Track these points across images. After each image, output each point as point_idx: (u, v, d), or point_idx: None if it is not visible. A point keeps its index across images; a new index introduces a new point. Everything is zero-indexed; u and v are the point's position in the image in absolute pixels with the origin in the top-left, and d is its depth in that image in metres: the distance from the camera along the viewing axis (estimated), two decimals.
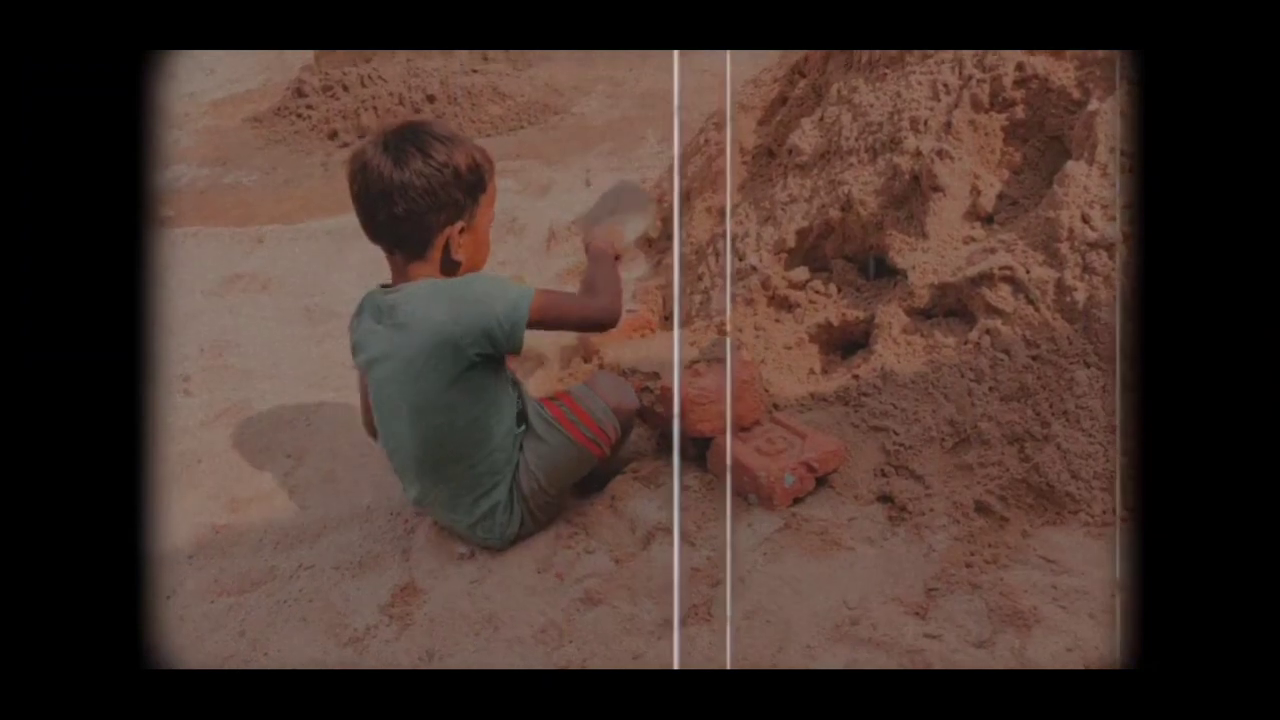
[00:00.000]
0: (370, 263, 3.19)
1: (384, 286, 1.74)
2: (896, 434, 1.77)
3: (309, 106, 4.67)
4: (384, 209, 1.61)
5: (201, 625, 1.70)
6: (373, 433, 1.87)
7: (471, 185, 1.66)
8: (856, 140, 2.14)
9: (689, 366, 1.90)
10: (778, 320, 2.10)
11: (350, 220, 3.70)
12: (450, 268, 1.70)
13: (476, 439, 1.69)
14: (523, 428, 1.77)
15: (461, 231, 1.67)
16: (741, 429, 1.82)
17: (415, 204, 1.60)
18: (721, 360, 1.89)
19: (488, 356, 1.66)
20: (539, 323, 1.67)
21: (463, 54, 4.80)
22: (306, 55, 5.15)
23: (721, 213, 2.46)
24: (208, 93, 5.43)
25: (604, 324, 1.77)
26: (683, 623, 1.53)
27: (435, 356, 1.63)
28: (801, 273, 2.13)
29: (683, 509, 1.78)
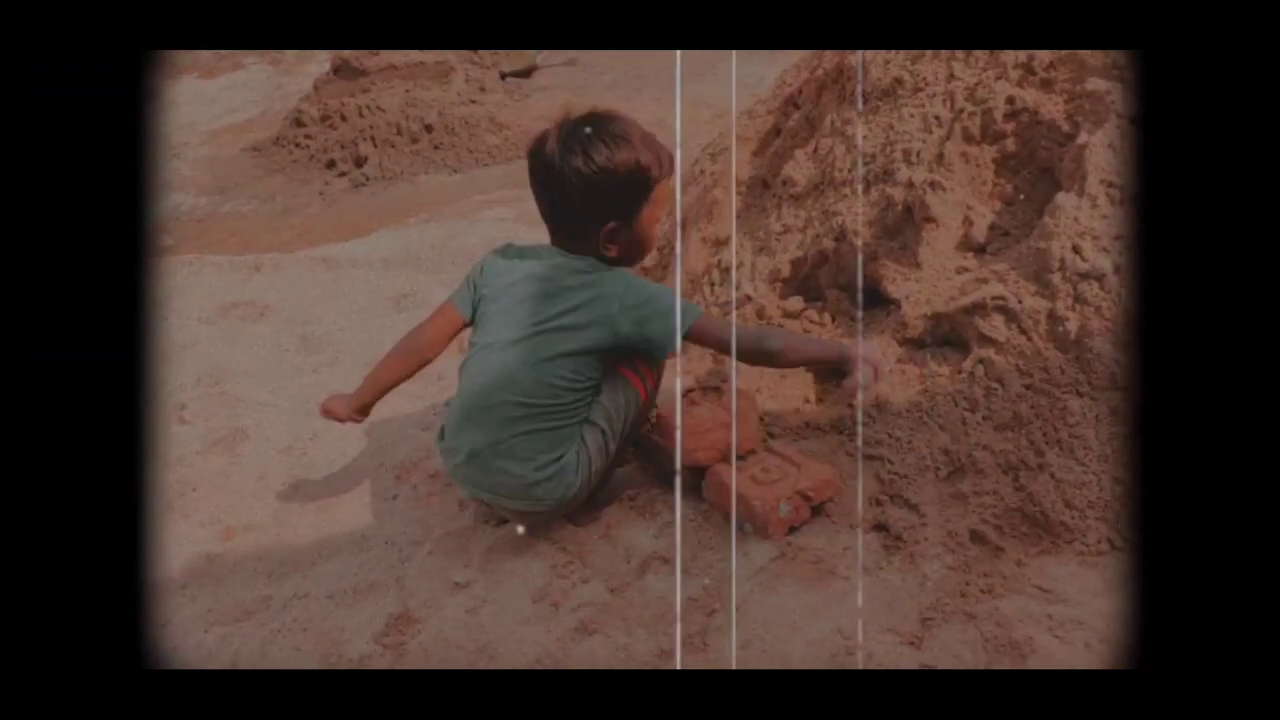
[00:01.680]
0: (367, 291, 3.21)
1: (553, 250, 1.78)
2: (891, 463, 1.78)
3: (307, 136, 4.71)
4: (559, 193, 1.69)
5: (195, 655, 1.69)
6: (408, 357, 1.88)
7: (630, 186, 1.69)
8: (850, 172, 2.16)
9: (685, 395, 1.91)
10: None
11: (347, 249, 3.71)
12: (607, 260, 1.77)
13: (574, 405, 1.73)
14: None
15: (616, 230, 1.72)
16: (737, 458, 1.82)
17: (571, 199, 1.68)
18: (717, 389, 1.90)
19: (629, 345, 1.72)
20: (698, 337, 1.74)
21: (459, 84, 4.85)
22: (305, 85, 5.20)
23: (717, 243, 2.47)
24: (206, 122, 5.47)
25: (763, 358, 1.79)
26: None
27: (591, 323, 1.68)
28: (796, 302, 2.14)
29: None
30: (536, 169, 1.72)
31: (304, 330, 2.94)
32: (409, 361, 1.90)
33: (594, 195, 1.68)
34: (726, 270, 2.33)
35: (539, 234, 1.90)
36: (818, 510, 1.75)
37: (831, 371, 2.02)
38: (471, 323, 1.85)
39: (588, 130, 1.69)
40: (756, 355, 1.79)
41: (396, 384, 1.94)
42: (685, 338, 1.72)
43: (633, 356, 1.79)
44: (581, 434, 1.76)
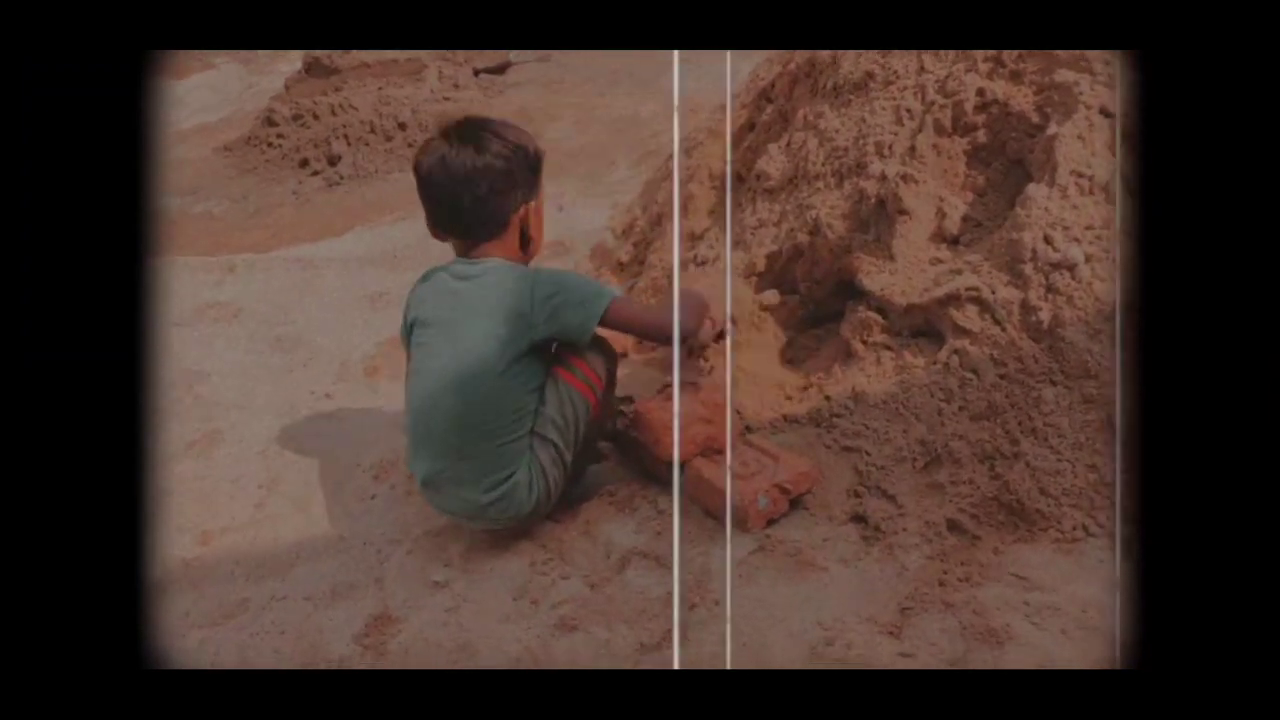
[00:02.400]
0: (341, 291, 3.19)
1: (461, 261, 1.79)
2: (868, 454, 1.79)
3: (280, 135, 4.67)
4: (468, 193, 1.71)
5: (175, 659, 1.67)
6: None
7: (536, 165, 1.79)
8: (823, 165, 2.17)
9: (661, 390, 1.91)
10: (748, 343, 2.11)
11: (320, 248, 3.68)
12: (524, 245, 1.79)
13: (516, 418, 1.73)
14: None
15: (528, 213, 1.78)
16: (716, 452, 1.83)
17: (497, 183, 1.71)
18: (695, 385, 1.91)
19: (548, 343, 1.74)
20: (612, 322, 1.75)
21: (433, 81, 4.82)
22: (277, 84, 5.15)
23: (693, 237, 2.48)
24: (177, 122, 5.41)
25: (667, 341, 1.85)
26: (658, 647, 1.53)
27: (509, 325, 1.69)
28: (772, 295, 2.15)
29: (657, 534, 1.78)
30: (451, 176, 1.72)
31: (279, 331, 2.92)
32: None
33: (514, 176, 1.73)
34: (701, 263, 2.33)
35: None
36: (796, 503, 1.76)
37: (808, 361, 2.03)
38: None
39: (485, 125, 1.76)
40: (668, 334, 1.82)
41: None
42: (602, 323, 1.74)
43: (570, 359, 1.80)
44: (532, 448, 1.76)
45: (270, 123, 4.74)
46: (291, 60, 5.60)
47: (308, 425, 2.39)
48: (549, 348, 1.77)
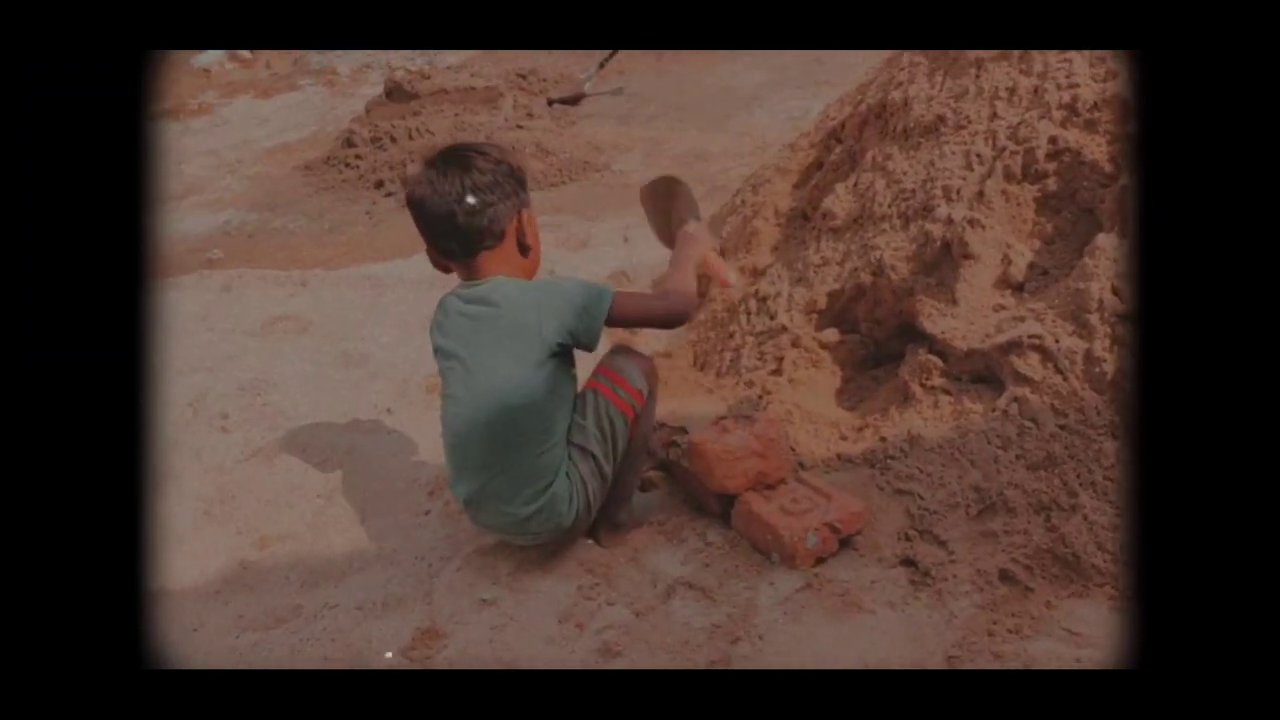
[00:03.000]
0: (408, 310, 3.26)
1: (466, 284, 1.85)
2: (922, 498, 1.77)
3: (358, 156, 4.80)
4: (460, 211, 1.77)
5: (226, 660, 1.72)
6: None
7: (521, 179, 1.85)
8: (889, 206, 2.17)
9: (716, 423, 1.92)
10: (806, 380, 2.11)
11: (391, 268, 3.77)
12: (523, 253, 1.85)
13: (544, 427, 1.76)
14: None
15: (522, 220, 1.84)
16: (767, 487, 1.83)
17: (486, 196, 1.78)
18: (749, 418, 1.91)
19: (565, 349, 1.78)
20: (618, 320, 1.80)
21: (508, 110, 4.93)
22: (358, 107, 5.31)
23: (755, 272, 2.49)
24: (260, 141, 5.61)
25: (678, 322, 1.90)
26: None
27: (520, 339, 1.74)
28: (832, 334, 2.15)
29: (705, 566, 1.78)
30: (441, 198, 1.78)
31: (345, 346, 2.99)
32: None
33: (502, 186, 1.79)
34: (763, 299, 2.34)
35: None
36: (846, 542, 1.75)
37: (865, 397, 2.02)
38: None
39: (463, 148, 1.83)
40: (672, 322, 1.89)
41: None
42: (608, 323, 1.78)
43: (610, 376, 1.84)
44: (571, 459, 1.79)
45: (349, 144, 4.88)
46: (373, 84, 5.78)
47: (368, 439, 2.45)
48: (568, 353, 1.81)
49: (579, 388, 1.86)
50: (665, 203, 2.15)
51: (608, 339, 2.05)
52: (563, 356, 1.80)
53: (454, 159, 1.81)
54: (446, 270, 1.90)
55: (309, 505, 2.19)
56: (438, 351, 1.86)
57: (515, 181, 1.83)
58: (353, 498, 2.20)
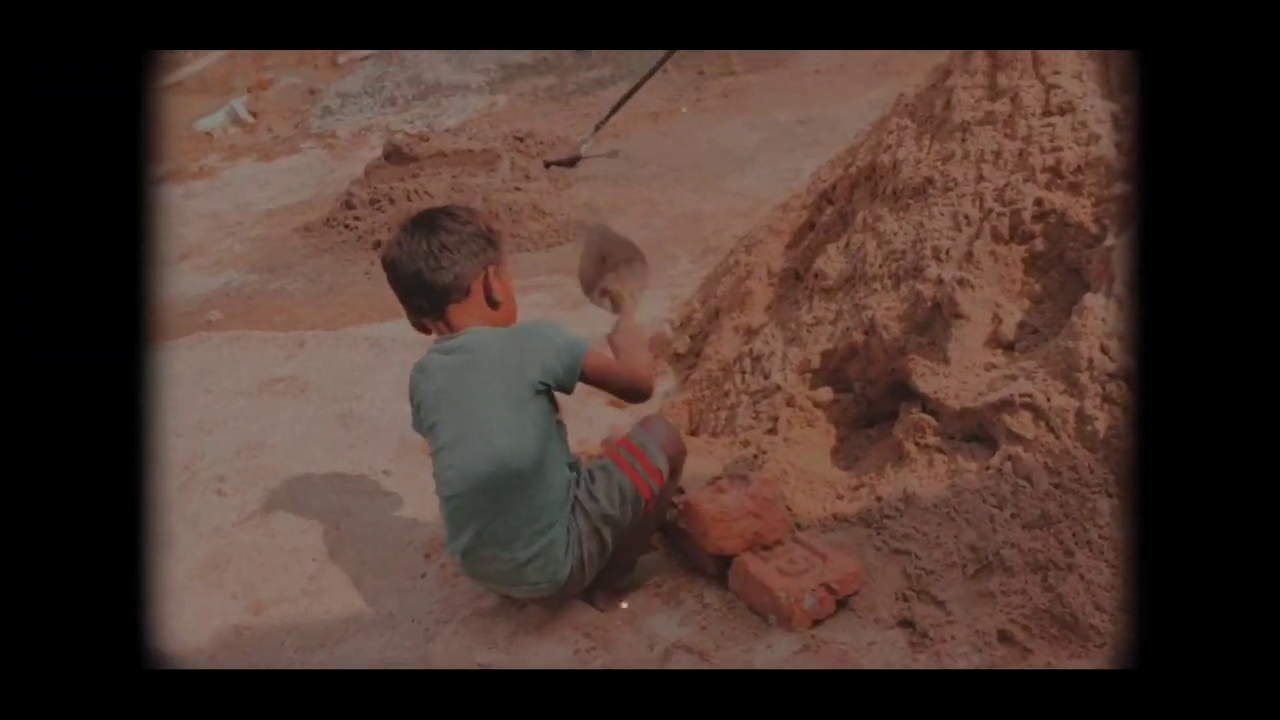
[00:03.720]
0: (405, 369, 3.26)
1: (442, 339, 1.89)
2: (918, 558, 1.77)
3: (356, 218, 4.87)
4: (429, 270, 1.84)
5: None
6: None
7: (492, 238, 1.92)
8: (880, 267, 2.20)
9: (712, 483, 1.93)
10: (801, 439, 2.13)
11: (389, 328, 3.80)
12: (492, 307, 1.89)
13: (537, 469, 1.77)
14: (574, 474, 1.84)
15: (495, 274, 1.89)
16: (763, 548, 1.83)
17: (454, 255, 1.85)
18: (744, 479, 1.92)
19: (547, 390, 1.80)
20: (587, 376, 1.84)
21: (505, 171, 5.00)
22: (357, 169, 5.38)
23: (749, 331, 2.51)
24: (260, 203, 5.68)
25: (641, 396, 1.94)
26: None
27: (504, 381, 1.78)
28: (825, 393, 2.17)
29: (701, 629, 1.78)
30: (411, 258, 1.85)
31: (342, 407, 3.00)
32: None
33: (470, 245, 1.86)
34: (757, 358, 2.36)
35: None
36: (843, 603, 1.74)
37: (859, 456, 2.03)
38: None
39: (435, 212, 1.91)
40: (633, 396, 1.93)
41: None
42: (582, 378, 1.83)
43: (631, 451, 1.84)
44: (574, 514, 1.80)
45: (348, 206, 4.95)
46: (373, 147, 5.87)
47: (364, 501, 2.45)
48: (550, 395, 1.84)
49: (598, 456, 1.88)
50: (603, 251, 2.20)
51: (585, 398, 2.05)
52: (547, 397, 1.83)
53: (423, 222, 1.89)
54: (426, 331, 1.95)
55: (304, 569, 2.18)
56: (419, 409, 1.88)
57: (483, 240, 1.90)
58: (348, 561, 2.19)
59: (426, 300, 1.88)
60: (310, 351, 3.55)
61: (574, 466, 1.85)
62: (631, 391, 1.93)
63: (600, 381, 1.89)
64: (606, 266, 2.21)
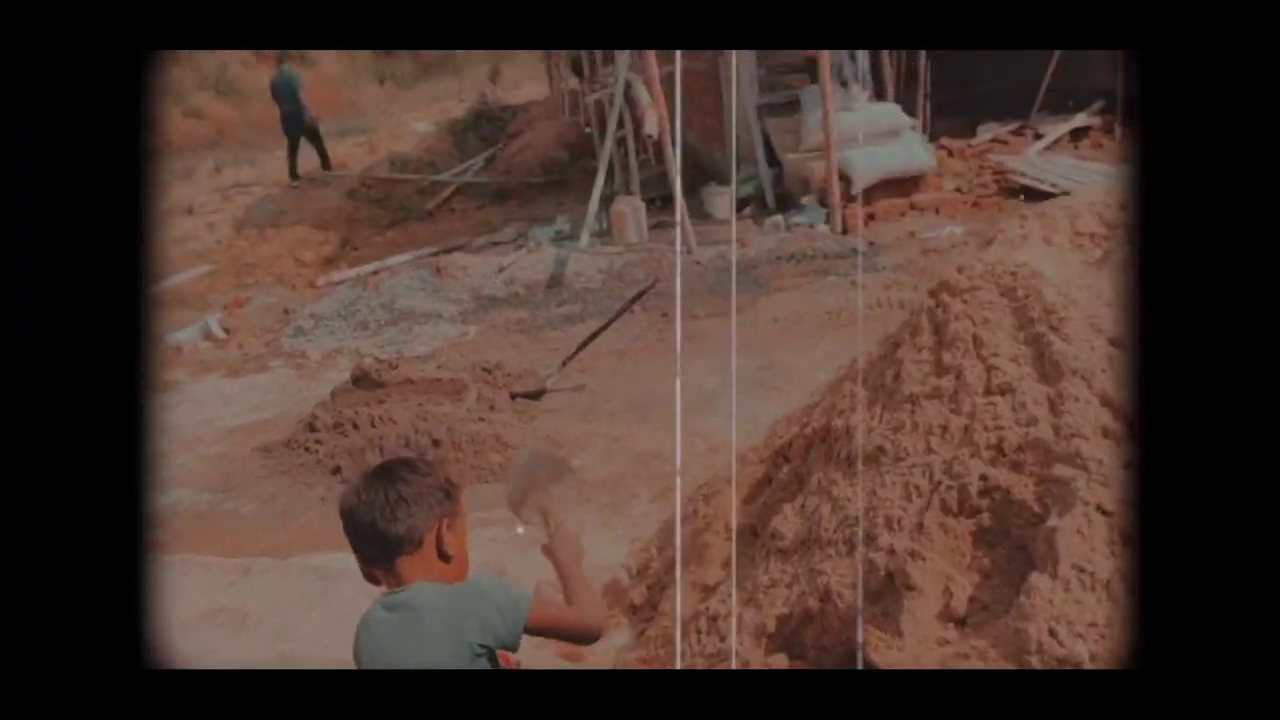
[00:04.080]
0: (353, 605, 3.18)
1: (387, 593, 1.81)
2: None
3: (318, 441, 4.88)
4: (384, 520, 1.78)
5: None
6: None
7: (450, 490, 1.87)
8: (834, 532, 2.25)
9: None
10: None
11: (339, 559, 3.73)
12: (443, 560, 1.82)
13: None
14: None
15: (448, 527, 1.83)
16: None
17: (410, 507, 1.79)
18: None
19: (488, 651, 1.73)
20: (534, 627, 1.77)
21: (471, 401, 5.09)
22: (324, 390, 5.44)
23: (705, 589, 2.51)
24: (223, 419, 5.69)
25: (593, 637, 1.88)
26: None
27: (445, 641, 1.70)
28: (781, 659, 2.14)
29: None
30: (370, 512, 1.81)
31: (284, 646, 2.90)
32: None
33: (426, 499, 1.82)
34: (713, 619, 2.35)
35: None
36: None
37: None
38: None
39: (394, 466, 1.88)
40: (585, 638, 1.87)
41: None
42: (527, 628, 1.77)
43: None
44: None
45: (311, 428, 4.97)
46: (342, 370, 5.98)
47: None
48: (493, 656, 1.79)
49: None
50: (530, 471, 2.22)
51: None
52: (488, 658, 1.78)
53: (383, 473, 1.88)
54: (375, 581, 1.93)
55: None
56: (360, 665, 1.83)
57: (441, 493, 1.88)
58: None
59: (378, 550, 1.88)
60: (255, 580, 3.47)
61: None
62: (582, 636, 1.89)
63: (547, 631, 1.86)
64: (534, 484, 2.23)
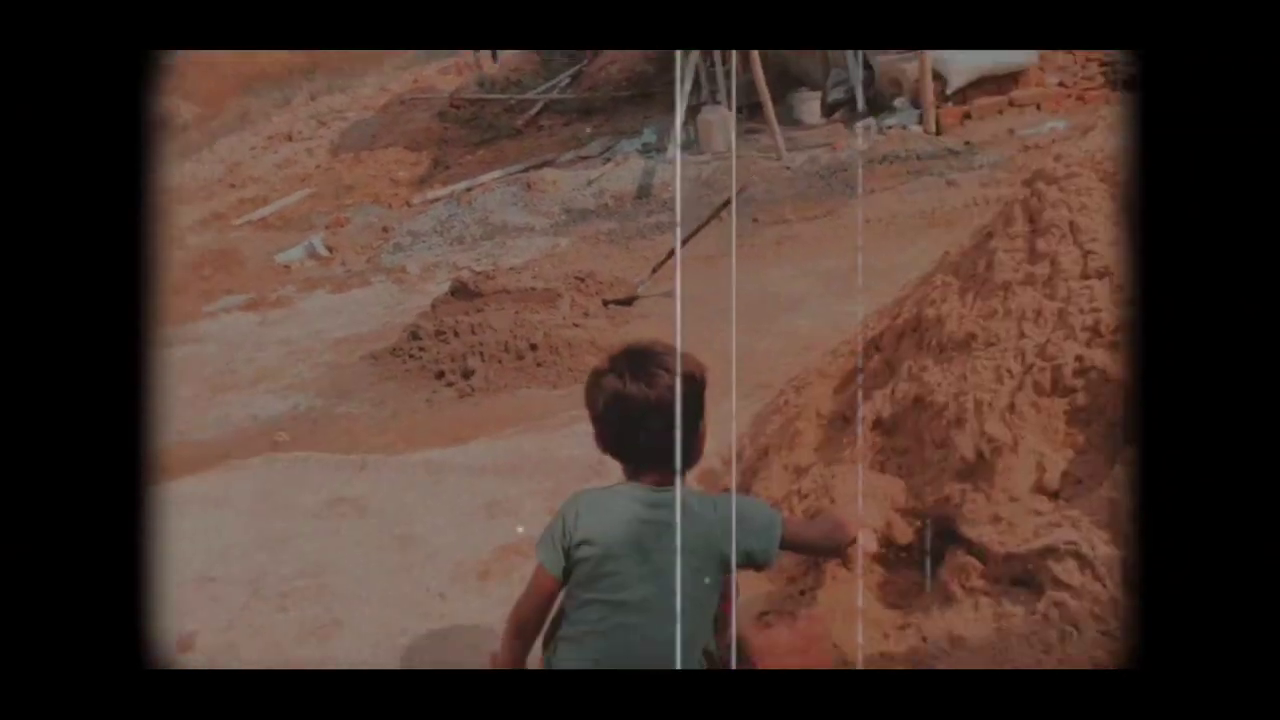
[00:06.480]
0: (462, 496, 3.39)
1: (645, 488, 1.79)
2: None
3: (421, 348, 5.10)
4: (643, 430, 1.74)
5: None
6: (519, 634, 1.85)
7: (703, 388, 1.81)
8: (925, 416, 2.29)
9: (759, 617, 1.97)
10: (849, 578, 2.17)
11: (447, 454, 3.93)
12: (696, 460, 1.87)
13: (703, 638, 1.76)
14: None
15: (698, 436, 1.83)
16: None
17: (669, 415, 1.65)
18: (791, 615, 1.96)
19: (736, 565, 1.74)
20: (786, 544, 1.79)
21: (565, 309, 5.22)
22: (424, 302, 5.65)
23: (798, 470, 2.59)
24: (332, 331, 5.97)
25: (837, 552, 1.96)
26: None
27: (701, 555, 1.71)
28: (870, 539, 2.22)
29: None
30: (626, 413, 1.75)
31: (401, 530, 3.11)
32: (521, 644, 1.87)
33: (687, 406, 1.74)
34: (805, 497, 2.43)
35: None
36: None
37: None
38: (565, 580, 1.80)
39: (652, 357, 1.78)
40: (834, 551, 1.93)
41: (522, 663, 1.91)
42: (781, 546, 1.78)
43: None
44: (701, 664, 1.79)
45: (415, 337, 5.19)
46: (440, 282, 6.18)
47: (420, 622, 2.52)
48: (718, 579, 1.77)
49: None
50: None
51: None
52: (718, 582, 1.75)
53: (638, 371, 1.74)
54: (607, 454, 1.83)
55: None
56: (590, 544, 1.75)
57: (698, 396, 1.80)
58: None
59: (640, 458, 1.78)
60: (370, 474, 3.70)
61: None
62: (832, 550, 1.90)
63: (798, 547, 1.86)
64: None
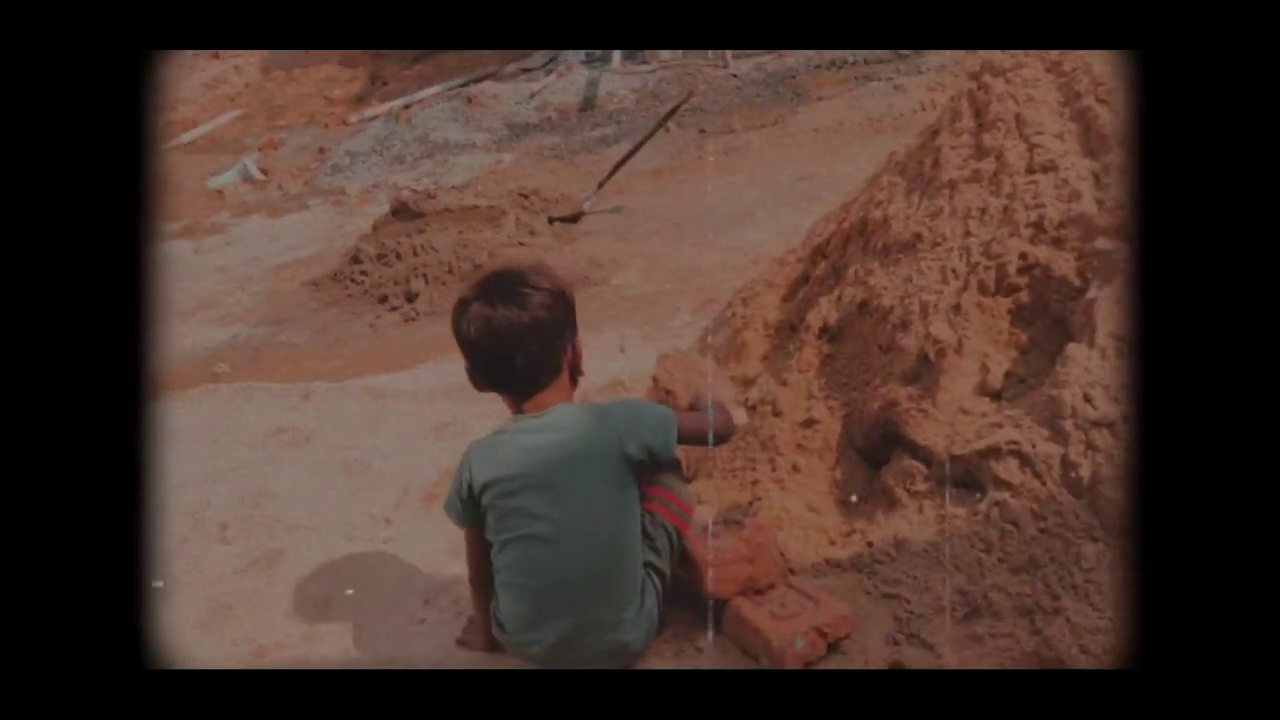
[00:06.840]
0: (409, 420, 3.32)
1: (524, 417, 1.78)
2: (908, 601, 1.80)
3: (363, 272, 4.96)
4: (520, 351, 1.72)
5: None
6: (479, 591, 1.90)
7: (572, 305, 1.83)
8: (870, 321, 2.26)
9: (705, 528, 1.96)
10: (796, 485, 2.16)
11: (391, 380, 3.84)
12: (573, 381, 1.85)
13: (634, 545, 1.80)
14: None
15: (576, 347, 1.85)
16: (756, 592, 1.86)
17: (546, 334, 1.73)
18: (738, 523, 1.95)
19: (640, 466, 1.77)
20: (683, 438, 1.82)
21: (510, 227, 5.10)
22: (365, 224, 5.48)
23: (746, 381, 2.57)
24: (270, 258, 5.79)
25: (726, 436, 1.95)
26: None
27: (602, 462, 1.72)
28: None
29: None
30: (497, 338, 1.71)
31: (346, 456, 3.05)
32: (485, 600, 1.90)
33: (559, 322, 1.77)
34: (752, 407, 2.41)
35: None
36: (833, 647, 1.77)
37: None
38: (481, 525, 1.80)
39: (517, 278, 1.76)
40: (722, 436, 1.93)
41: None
42: (679, 441, 1.82)
43: (661, 494, 1.86)
44: (649, 576, 1.84)
45: (356, 260, 5.04)
46: (379, 203, 5.99)
47: (366, 548, 2.48)
48: (639, 470, 1.80)
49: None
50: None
51: None
52: (636, 473, 1.79)
53: (507, 294, 1.72)
54: (484, 391, 1.83)
55: (306, 614, 2.21)
56: (487, 487, 1.74)
57: (569, 308, 1.79)
58: (348, 607, 2.22)
59: (517, 383, 1.76)
60: (315, 402, 3.61)
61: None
62: (720, 436, 1.90)
63: (692, 440, 1.88)
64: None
